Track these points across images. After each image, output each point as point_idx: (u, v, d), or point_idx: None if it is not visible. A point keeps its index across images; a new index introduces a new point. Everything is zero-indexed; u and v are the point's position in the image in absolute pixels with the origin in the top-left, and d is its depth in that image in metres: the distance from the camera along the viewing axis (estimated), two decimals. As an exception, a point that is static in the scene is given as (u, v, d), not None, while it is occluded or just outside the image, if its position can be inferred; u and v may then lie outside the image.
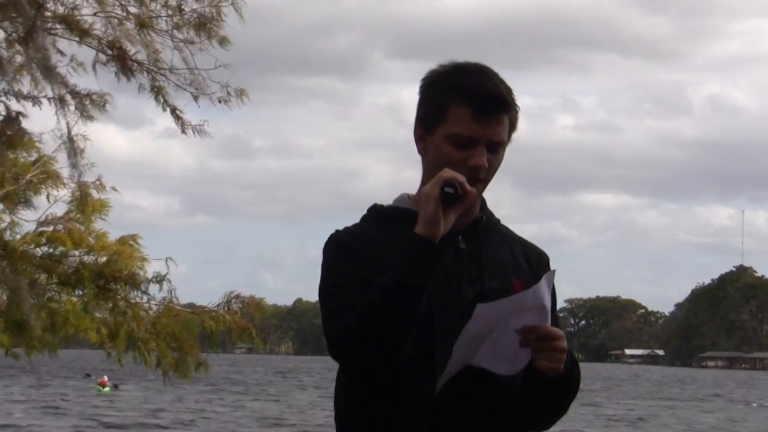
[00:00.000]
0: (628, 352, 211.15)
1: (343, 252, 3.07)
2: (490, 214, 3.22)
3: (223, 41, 10.31)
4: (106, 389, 56.13)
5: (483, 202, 3.19)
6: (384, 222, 3.13)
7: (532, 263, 3.21)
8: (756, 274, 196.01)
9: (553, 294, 3.16)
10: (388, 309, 2.89)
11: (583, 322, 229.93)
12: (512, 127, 3.12)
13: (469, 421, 3.03)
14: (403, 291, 2.89)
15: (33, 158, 12.31)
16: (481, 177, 3.06)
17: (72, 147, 10.41)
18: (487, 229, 3.17)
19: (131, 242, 12.26)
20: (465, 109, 3.03)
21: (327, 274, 3.07)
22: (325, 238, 3.14)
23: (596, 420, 43.28)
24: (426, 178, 3.10)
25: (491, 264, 3.12)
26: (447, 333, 2.96)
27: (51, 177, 12.23)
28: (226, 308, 11.82)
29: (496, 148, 3.07)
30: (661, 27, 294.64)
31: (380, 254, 3.01)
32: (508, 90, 3.11)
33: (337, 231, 3.13)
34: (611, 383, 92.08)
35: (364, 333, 2.90)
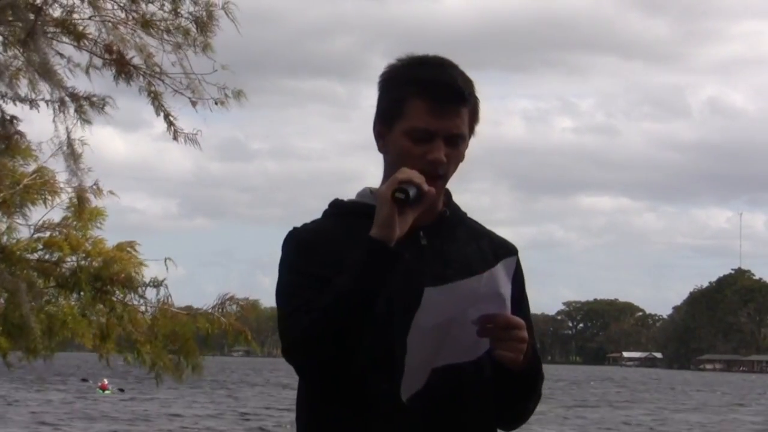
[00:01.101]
0: (625, 354, 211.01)
1: (302, 250, 3.00)
2: (456, 208, 3.14)
3: (206, 48, 10.31)
4: (108, 392, 55.88)
5: (448, 195, 3.12)
6: (345, 217, 3.07)
7: (500, 256, 3.03)
8: (754, 277, 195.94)
9: (521, 281, 3.11)
10: (342, 313, 2.84)
11: (580, 324, 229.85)
12: (474, 119, 3.05)
13: (434, 421, 2.95)
14: (357, 295, 2.85)
15: (31, 168, 12.31)
16: (440, 172, 2.99)
17: (72, 152, 10.40)
18: (452, 225, 3.10)
19: (128, 249, 12.27)
20: (421, 102, 2.97)
21: (285, 274, 3.01)
22: None
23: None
24: (387, 175, 3.02)
25: (455, 260, 3.03)
26: (408, 333, 2.87)
27: (48, 183, 12.22)
28: (220, 310, 11.83)
29: (455, 142, 3.00)
30: (660, 29, 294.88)
31: (341, 252, 2.95)
32: (466, 81, 3.03)
33: (295, 228, 3.07)
34: (630, 388, 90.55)
35: (319, 337, 2.85)
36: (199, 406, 46.99)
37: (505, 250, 3.12)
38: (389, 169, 3.00)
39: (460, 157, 3.04)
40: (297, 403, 3.08)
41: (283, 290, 3.00)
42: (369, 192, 3.11)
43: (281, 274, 3.02)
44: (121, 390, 57.35)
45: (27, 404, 45.35)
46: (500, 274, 2.85)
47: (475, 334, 2.87)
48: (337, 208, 3.12)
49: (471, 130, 3.05)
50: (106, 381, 57.30)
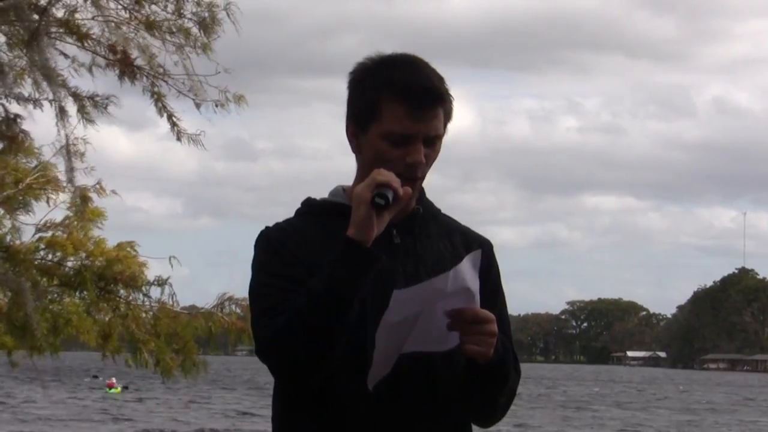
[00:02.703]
0: (629, 354, 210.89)
1: (272, 250, 2.97)
2: (429, 205, 3.10)
3: (205, 48, 10.35)
4: (114, 390, 55.76)
5: (421, 192, 3.07)
6: (317, 216, 3.03)
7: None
8: (758, 277, 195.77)
9: (495, 274, 3.09)
10: (317, 316, 2.79)
11: (584, 324, 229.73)
12: (447, 117, 2.99)
13: (402, 419, 2.92)
14: (333, 298, 2.79)
15: (33, 164, 12.32)
16: (419, 174, 2.96)
17: (68, 155, 10.44)
18: (425, 222, 3.05)
19: (129, 249, 12.30)
20: (399, 106, 2.92)
21: (256, 274, 2.98)
22: None
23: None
24: (362, 174, 2.97)
25: (428, 258, 2.99)
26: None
27: (51, 182, 12.24)
28: (220, 310, 11.87)
29: (433, 142, 2.96)
30: (667, 28, 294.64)
31: (312, 251, 2.92)
32: (441, 80, 2.98)
33: (267, 227, 3.03)
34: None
35: (292, 339, 2.81)
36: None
37: (477, 244, 3.06)
38: (364, 170, 2.95)
39: (435, 156, 3.00)
40: (272, 404, 3.05)
41: (254, 290, 2.97)
42: (341, 190, 3.08)
43: (253, 274, 2.99)
44: (126, 387, 57.19)
45: (35, 403, 45.31)
46: (467, 268, 2.81)
47: (445, 327, 2.84)
48: (309, 206, 3.08)
49: (444, 128, 3.00)
50: (113, 380, 57.06)
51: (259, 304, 2.93)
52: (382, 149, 2.94)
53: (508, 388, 3.01)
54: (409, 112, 2.92)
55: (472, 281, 2.83)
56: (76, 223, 12.26)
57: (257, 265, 2.99)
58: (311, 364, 2.84)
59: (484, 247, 3.01)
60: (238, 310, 12.07)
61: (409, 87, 2.93)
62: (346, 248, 2.82)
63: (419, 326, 2.84)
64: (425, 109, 2.93)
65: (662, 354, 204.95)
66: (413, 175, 2.94)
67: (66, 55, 10.52)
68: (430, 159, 2.98)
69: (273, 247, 2.98)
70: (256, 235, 3.03)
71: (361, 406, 2.91)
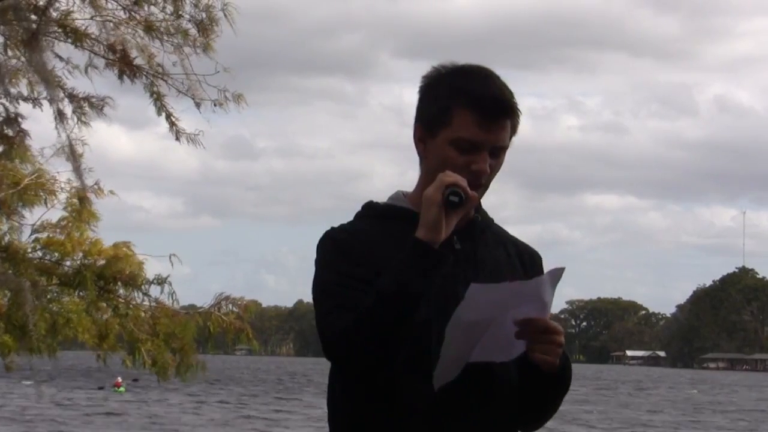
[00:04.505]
0: (629, 353, 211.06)
1: (338, 250, 3.04)
2: (485, 214, 3.21)
3: (206, 48, 10.32)
4: (122, 390, 55.77)
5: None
6: (379, 220, 3.11)
7: (525, 263, 3.20)
8: (758, 276, 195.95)
9: None
10: (386, 314, 2.88)
11: (584, 323, 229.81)
12: (513, 131, 3.11)
13: (465, 423, 3.01)
14: (403, 296, 2.88)
15: (29, 170, 12.30)
16: (483, 182, 3.05)
17: (74, 156, 10.41)
18: (482, 230, 3.16)
19: (125, 249, 12.28)
20: (471, 114, 3.02)
21: (322, 272, 3.05)
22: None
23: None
24: (425, 179, 3.08)
25: (486, 264, 3.10)
26: (443, 335, 2.92)
27: (46, 185, 12.21)
28: (218, 310, 11.86)
29: (498, 153, 3.07)
30: (670, 27, 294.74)
31: (376, 253, 3.00)
32: (511, 94, 3.09)
33: (332, 228, 3.11)
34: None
35: (361, 336, 2.89)
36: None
37: (528, 255, 3.22)
38: (429, 174, 3.04)
39: (499, 167, 3.10)
40: (328, 403, 3.13)
41: (320, 288, 3.04)
42: (402, 195, 3.17)
43: (318, 273, 3.06)
44: (135, 380, 57.21)
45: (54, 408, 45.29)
46: (545, 282, 2.93)
47: (512, 336, 2.94)
48: (371, 210, 3.17)
49: (509, 141, 3.11)
50: (119, 379, 57.10)
51: (326, 302, 3.00)
52: (450, 155, 3.03)
53: (562, 399, 3.16)
54: (479, 121, 3.02)
55: (548, 295, 2.94)
56: (71, 224, 12.23)
57: (324, 264, 3.06)
58: (379, 361, 2.92)
59: (536, 259, 3.23)
60: (236, 310, 12.05)
61: (482, 97, 3.03)
62: (416, 249, 2.91)
63: (488, 335, 2.93)
64: (495, 119, 3.04)
65: (662, 353, 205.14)
66: (477, 183, 3.03)
67: (61, 58, 10.49)
68: (495, 170, 3.08)
69: (340, 247, 3.06)
70: (320, 237, 3.10)
71: (425, 408, 2.98)
